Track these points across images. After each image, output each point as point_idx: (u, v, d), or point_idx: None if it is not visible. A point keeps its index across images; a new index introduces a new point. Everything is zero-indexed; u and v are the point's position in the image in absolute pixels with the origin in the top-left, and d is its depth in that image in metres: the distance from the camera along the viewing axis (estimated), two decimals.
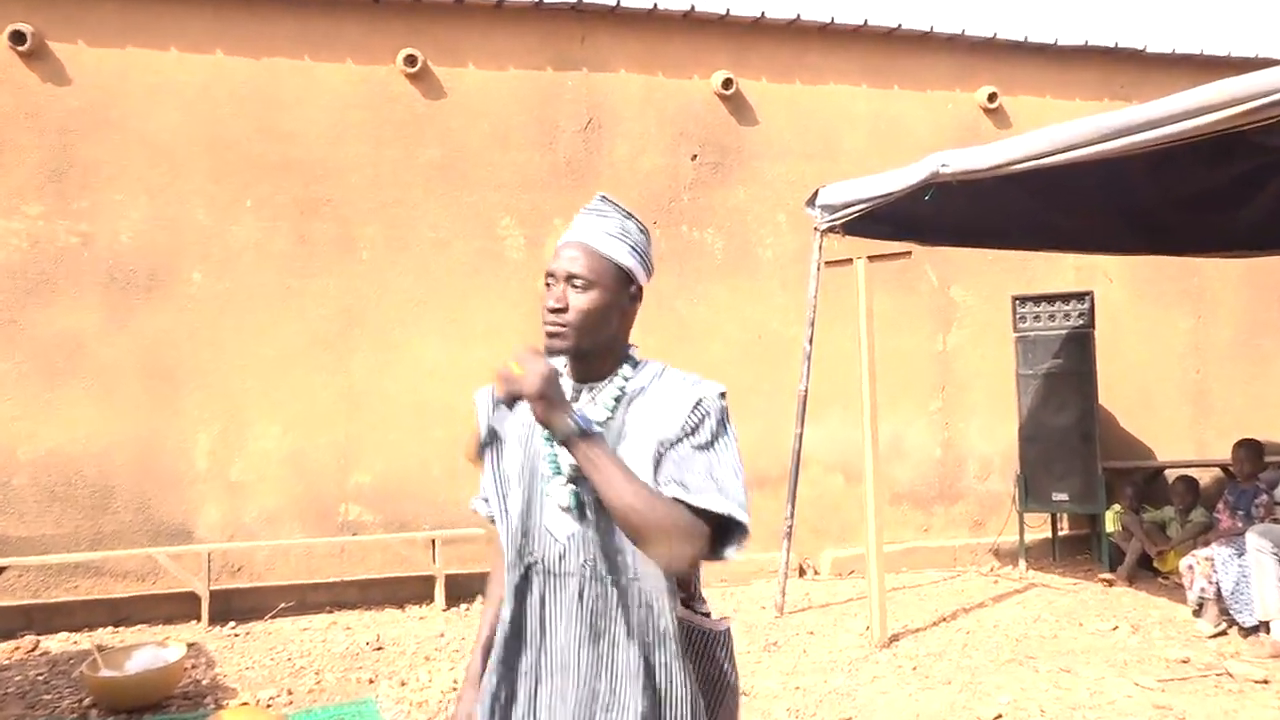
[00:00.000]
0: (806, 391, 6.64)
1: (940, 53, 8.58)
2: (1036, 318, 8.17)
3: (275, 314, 7.21)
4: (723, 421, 1.89)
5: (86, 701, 5.13)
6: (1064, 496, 8.05)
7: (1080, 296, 8.13)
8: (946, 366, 8.51)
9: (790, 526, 6.77)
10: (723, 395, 1.91)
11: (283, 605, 7.08)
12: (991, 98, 8.63)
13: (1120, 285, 8.97)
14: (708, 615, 2.08)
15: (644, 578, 1.89)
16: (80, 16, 6.90)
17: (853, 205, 6.11)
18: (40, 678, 5.64)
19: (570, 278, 1.92)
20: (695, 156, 7.98)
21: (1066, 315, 8.11)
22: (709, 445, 1.85)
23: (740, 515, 1.79)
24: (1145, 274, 8.98)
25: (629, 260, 1.96)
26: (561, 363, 2.03)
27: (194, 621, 6.78)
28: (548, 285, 1.93)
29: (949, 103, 8.62)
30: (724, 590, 7.57)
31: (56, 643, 6.41)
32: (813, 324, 6.67)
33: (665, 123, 7.91)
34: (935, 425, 8.49)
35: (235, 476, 7.14)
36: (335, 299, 7.25)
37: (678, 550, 1.73)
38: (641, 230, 2.00)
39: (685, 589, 2.01)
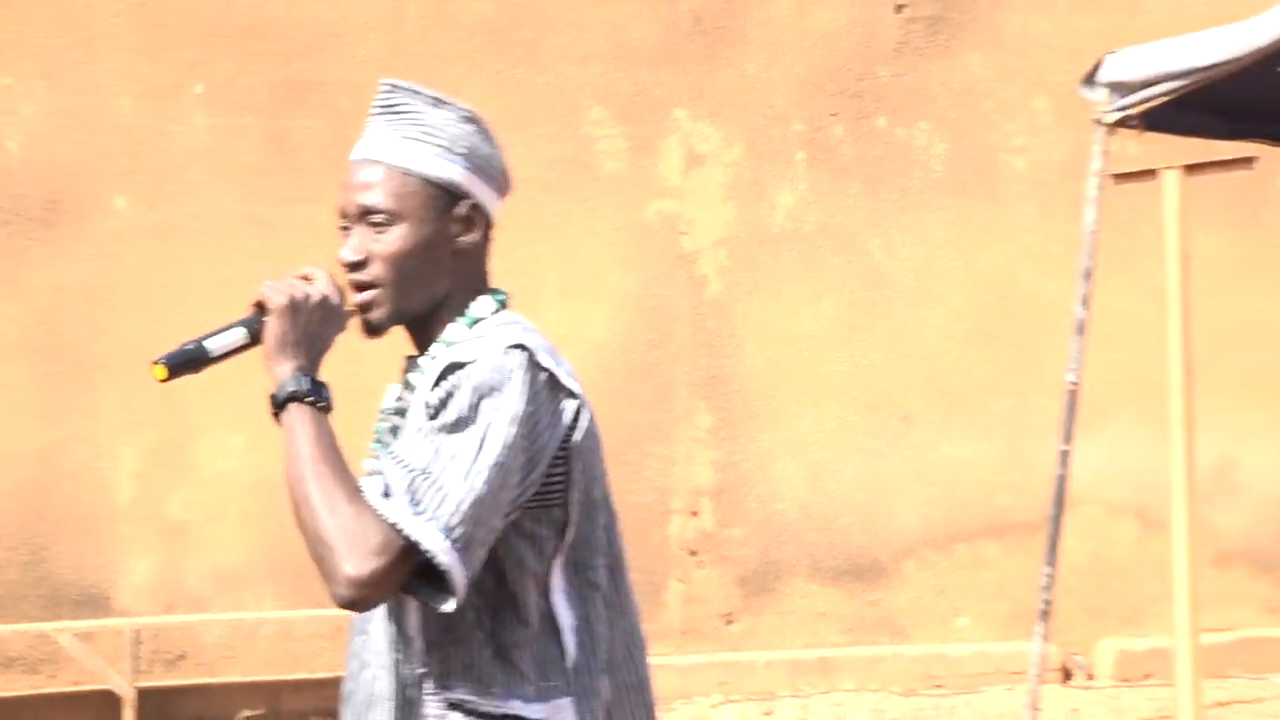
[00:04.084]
0: (1078, 386, 5.77)
1: None
2: None
3: (239, 260, 6.44)
4: (487, 395, 1.72)
5: None
6: None
7: None
8: None
9: (1048, 602, 5.74)
10: (518, 351, 1.75)
11: (247, 714, 6.40)
12: None
13: None
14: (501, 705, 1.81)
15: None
16: None
17: (1161, 81, 5.40)
18: None
19: (365, 213, 1.80)
20: (902, 8, 7.09)
21: None
22: (447, 428, 1.70)
23: (416, 533, 1.61)
24: None
25: (446, 168, 1.83)
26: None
27: None
28: (342, 230, 1.85)
29: None
30: (936, 699, 6.59)
31: None
32: (1089, 275, 5.75)
33: None
34: None
35: (177, 513, 6.45)
36: (328, 234, 6.05)
37: (339, 569, 1.61)
38: (466, 119, 1.87)
39: (460, 665, 1.81)
